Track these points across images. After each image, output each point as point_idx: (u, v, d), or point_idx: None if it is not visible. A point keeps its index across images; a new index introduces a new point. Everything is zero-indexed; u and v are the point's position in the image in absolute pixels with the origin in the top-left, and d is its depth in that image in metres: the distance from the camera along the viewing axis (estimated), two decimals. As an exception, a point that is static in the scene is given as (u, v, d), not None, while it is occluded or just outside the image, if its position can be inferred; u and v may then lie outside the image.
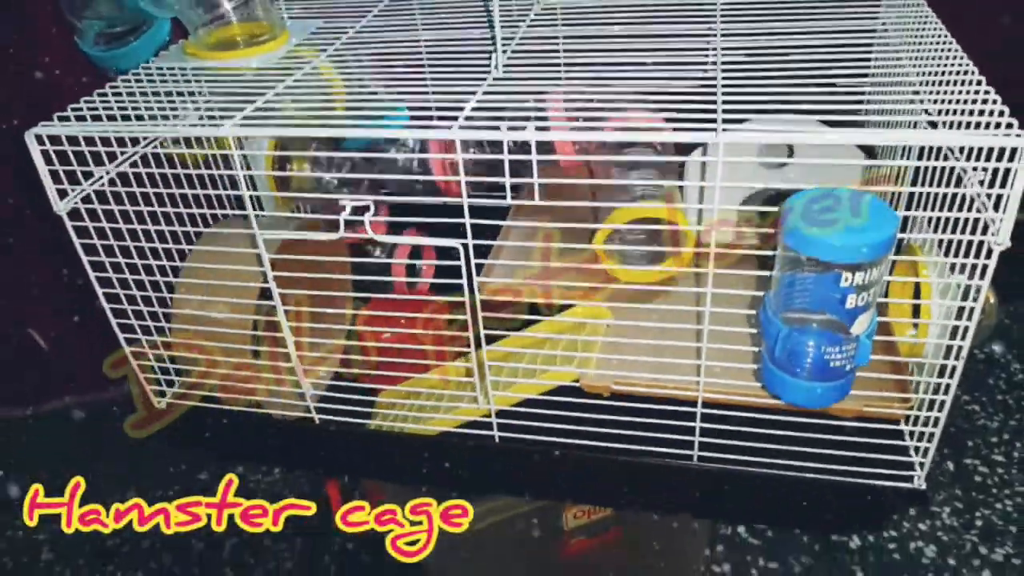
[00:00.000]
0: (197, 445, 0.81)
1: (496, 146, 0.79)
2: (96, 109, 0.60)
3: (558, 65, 0.67)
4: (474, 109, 0.54)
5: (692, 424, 0.59)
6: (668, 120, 0.53)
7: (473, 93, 0.57)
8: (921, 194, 0.58)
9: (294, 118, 0.60)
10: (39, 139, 0.57)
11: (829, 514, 0.63)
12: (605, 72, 0.68)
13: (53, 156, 0.58)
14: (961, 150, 0.49)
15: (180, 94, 0.65)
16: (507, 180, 0.51)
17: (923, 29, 0.63)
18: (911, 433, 0.60)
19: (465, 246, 0.55)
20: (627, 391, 0.62)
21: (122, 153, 0.63)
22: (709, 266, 0.50)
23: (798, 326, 0.47)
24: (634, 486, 0.66)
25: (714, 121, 0.48)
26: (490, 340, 0.65)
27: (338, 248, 0.78)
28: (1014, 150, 0.44)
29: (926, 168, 0.55)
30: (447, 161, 0.77)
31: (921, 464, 0.58)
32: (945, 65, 0.55)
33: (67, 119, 0.58)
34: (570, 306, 0.70)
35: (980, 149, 0.46)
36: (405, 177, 0.75)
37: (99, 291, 0.64)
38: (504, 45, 0.64)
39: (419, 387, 0.73)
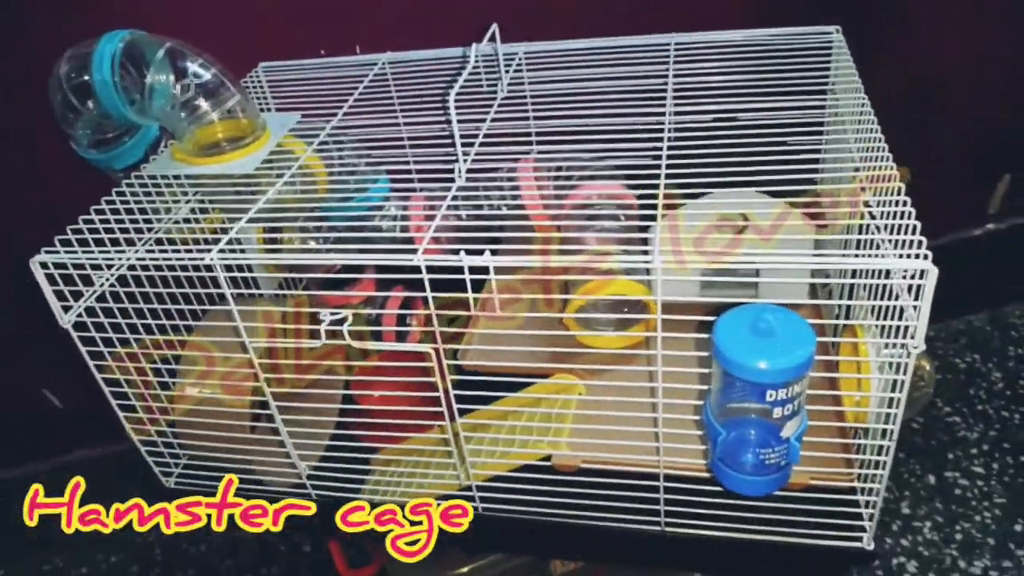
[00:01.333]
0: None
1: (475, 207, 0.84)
2: (95, 227, 0.65)
3: (529, 140, 0.71)
4: (439, 227, 0.59)
5: (657, 495, 0.64)
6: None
7: (441, 199, 0.62)
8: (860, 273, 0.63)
9: (281, 220, 0.64)
10: (43, 265, 0.62)
11: (793, 570, 0.68)
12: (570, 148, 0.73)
13: (56, 276, 0.63)
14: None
15: (175, 202, 0.70)
16: (469, 296, 0.56)
17: (861, 118, 0.67)
18: (861, 497, 0.64)
19: (437, 351, 0.60)
20: (595, 468, 0.67)
21: (119, 263, 0.68)
22: (657, 348, 0.55)
23: (737, 417, 0.52)
24: (611, 546, 0.71)
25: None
26: (467, 409, 0.70)
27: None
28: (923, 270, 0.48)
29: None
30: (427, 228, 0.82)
31: (869, 527, 0.63)
32: (875, 166, 0.60)
33: (68, 242, 0.64)
34: (548, 374, 0.75)
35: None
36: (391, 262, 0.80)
37: (107, 391, 0.70)
38: (468, 144, 0.69)
39: (404, 456, 0.78)
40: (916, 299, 0.49)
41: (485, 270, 0.55)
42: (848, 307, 0.64)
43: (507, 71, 0.83)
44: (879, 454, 0.58)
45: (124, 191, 0.71)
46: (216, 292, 0.76)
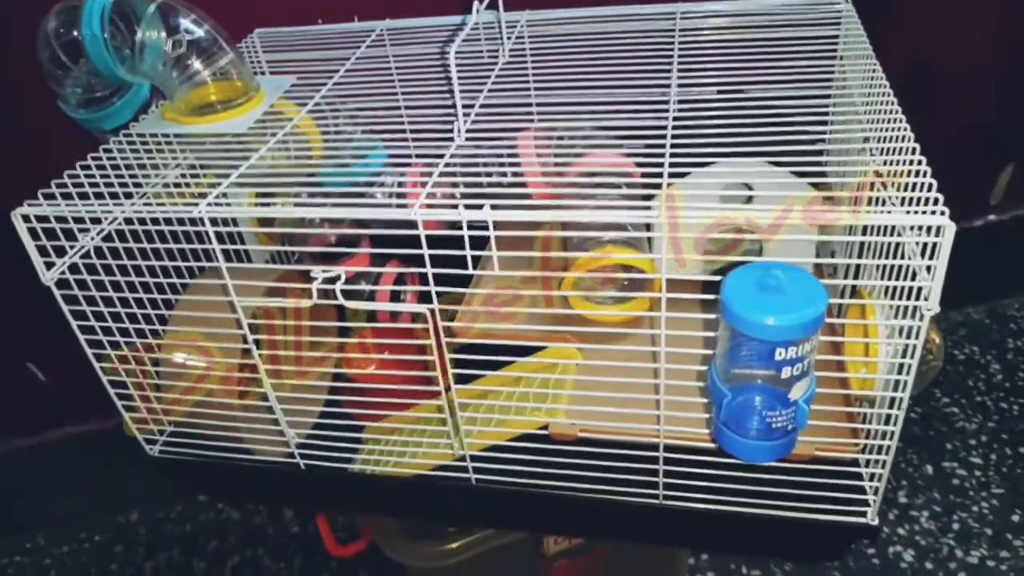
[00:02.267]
0: (188, 490, 0.84)
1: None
2: (80, 182, 0.63)
3: (527, 109, 0.70)
4: (437, 182, 0.57)
5: (656, 467, 0.63)
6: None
7: (438, 160, 0.60)
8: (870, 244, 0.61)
9: (273, 184, 0.62)
10: (25, 218, 0.60)
11: (795, 545, 0.67)
12: (571, 118, 0.71)
13: (39, 231, 0.61)
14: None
15: (164, 165, 0.68)
16: (467, 253, 0.54)
17: (872, 83, 0.65)
18: (866, 470, 0.63)
19: (432, 311, 0.58)
20: (593, 438, 0.66)
21: (106, 218, 0.66)
22: (661, 311, 0.53)
23: (743, 383, 0.50)
24: (608, 520, 0.69)
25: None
26: (464, 379, 0.68)
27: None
28: (939, 228, 0.46)
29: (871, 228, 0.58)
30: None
31: (874, 500, 0.61)
32: (887, 129, 0.58)
33: (52, 196, 0.61)
34: (543, 346, 0.73)
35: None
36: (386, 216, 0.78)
37: (88, 352, 0.67)
38: (468, 105, 0.67)
39: (398, 424, 0.76)
40: (932, 258, 0.48)
41: (484, 227, 0.53)
42: (856, 271, 0.63)
43: (509, 38, 0.81)
44: (887, 424, 0.56)
45: (111, 148, 0.69)
46: (203, 249, 0.74)
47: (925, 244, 0.48)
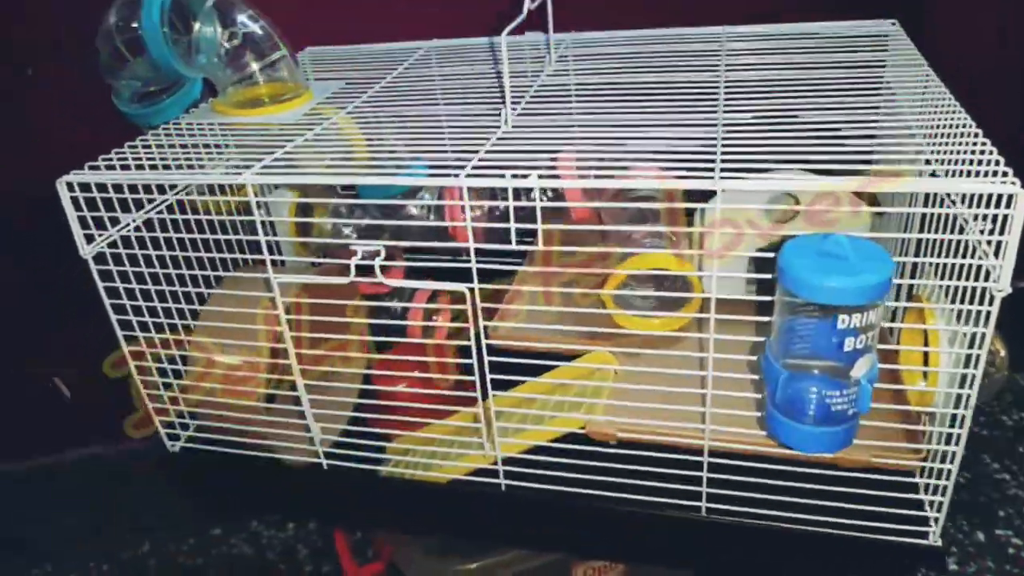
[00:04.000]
0: (206, 494, 0.81)
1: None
2: (126, 160, 0.63)
3: (569, 116, 0.69)
4: (482, 160, 0.56)
5: (700, 474, 0.59)
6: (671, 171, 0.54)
7: (483, 144, 0.59)
8: (927, 244, 0.59)
9: (313, 167, 0.62)
10: (69, 186, 0.60)
11: (854, 569, 0.62)
12: (614, 130, 0.70)
13: (82, 203, 0.61)
14: (963, 199, 0.50)
15: (206, 146, 0.68)
16: (512, 225, 0.52)
17: (927, 88, 0.64)
18: (925, 486, 0.58)
19: (471, 290, 0.56)
20: (633, 438, 0.62)
21: (149, 202, 0.66)
22: (711, 310, 0.51)
23: (801, 361, 0.47)
24: (645, 536, 0.65)
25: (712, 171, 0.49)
26: (500, 386, 0.65)
27: (354, 295, 0.80)
28: (1011, 197, 0.44)
29: (930, 217, 0.56)
30: (462, 213, 0.79)
31: (936, 519, 0.57)
32: (946, 120, 0.57)
33: (97, 168, 0.62)
34: (580, 354, 0.71)
35: (980, 197, 0.47)
36: (418, 224, 0.78)
37: (119, 333, 0.66)
38: (515, 100, 0.67)
39: (430, 434, 0.73)
40: (1000, 233, 0.45)
41: (532, 230, 0.51)
42: (912, 273, 0.60)
43: (555, 51, 0.82)
44: (952, 426, 0.52)
45: (159, 133, 0.69)
46: (239, 242, 0.73)
47: (994, 219, 0.45)
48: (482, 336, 0.59)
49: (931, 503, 0.57)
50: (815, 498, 0.57)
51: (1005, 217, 0.45)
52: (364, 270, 0.59)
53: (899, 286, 0.65)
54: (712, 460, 0.58)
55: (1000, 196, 0.45)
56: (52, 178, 0.60)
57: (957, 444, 0.52)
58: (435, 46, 0.91)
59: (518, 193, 0.51)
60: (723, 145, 0.54)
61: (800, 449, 0.49)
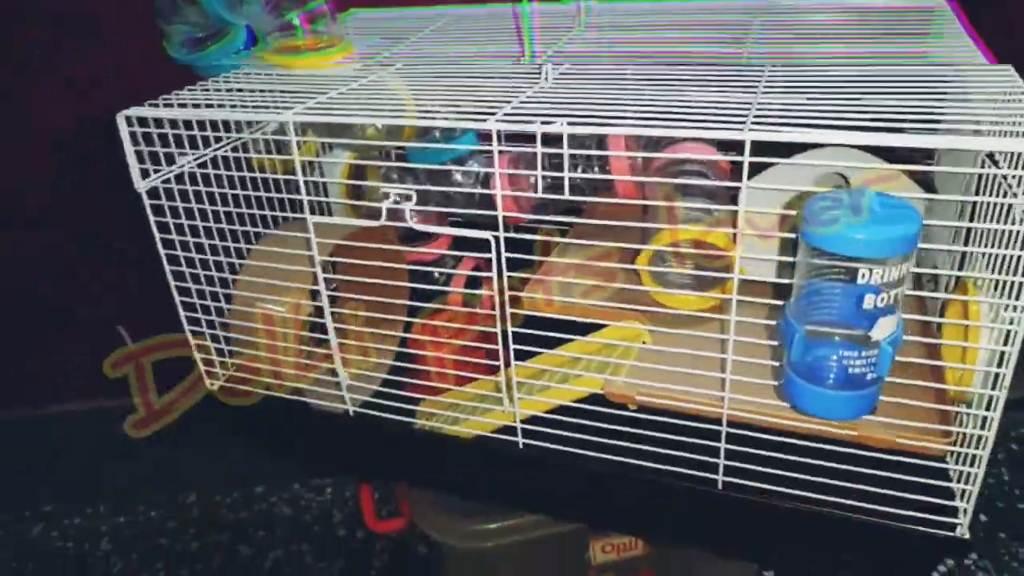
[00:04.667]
0: (239, 432, 0.83)
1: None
2: (184, 101, 0.66)
3: (607, 78, 0.68)
4: (516, 108, 0.56)
5: (718, 445, 0.58)
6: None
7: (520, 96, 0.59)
8: (976, 234, 0.56)
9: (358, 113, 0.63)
10: (128, 120, 0.63)
11: (872, 554, 0.59)
12: (653, 91, 0.68)
13: (139, 138, 0.64)
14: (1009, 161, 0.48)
15: (260, 91, 0.70)
16: (539, 173, 0.53)
17: (975, 62, 0.61)
18: (956, 474, 0.56)
19: (496, 238, 0.57)
20: (652, 403, 0.61)
21: (204, 146, 0.69)
22: (735, 271, 0.50)
23: (820, 321, 0.46)
24: (655, 511, 0.64)
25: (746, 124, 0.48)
26: (526, 356, 0.65)
27: (397, 258, 0.81)
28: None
29: (981, 189, 0.53)
30: (511, 189, 0.80)
31: (965, 510, 0.54)
32: (999, 87, 0.54)
33: (156, 105, 0.65)
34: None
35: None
36: (463, 191, 0.79)
37: (167, 268, 0.69)
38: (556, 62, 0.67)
39: (456, 398, 0.73)
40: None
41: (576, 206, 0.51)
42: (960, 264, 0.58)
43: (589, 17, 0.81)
44: (987, 410, 0.50)
45: (218, 80, 0.72)
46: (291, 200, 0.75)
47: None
48: (506, 295, 0.59)
49: (961, 492, 0.54)
50: (837, 479, 0.55)
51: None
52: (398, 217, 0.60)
53: (947, 279, 0.63)
54: (731, 431, 0.57)
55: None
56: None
57: (989, 429, 0.50)
58: (469, 12, 0.91)
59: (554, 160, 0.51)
60: (759, 104, 0.53)
61: (816, 414, 0.48)
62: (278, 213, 0.81)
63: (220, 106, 0.66)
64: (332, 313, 0.66)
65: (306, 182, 0.60)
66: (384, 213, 0.59)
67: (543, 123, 0.51)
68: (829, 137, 0.45)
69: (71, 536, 1.26)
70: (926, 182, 0.60)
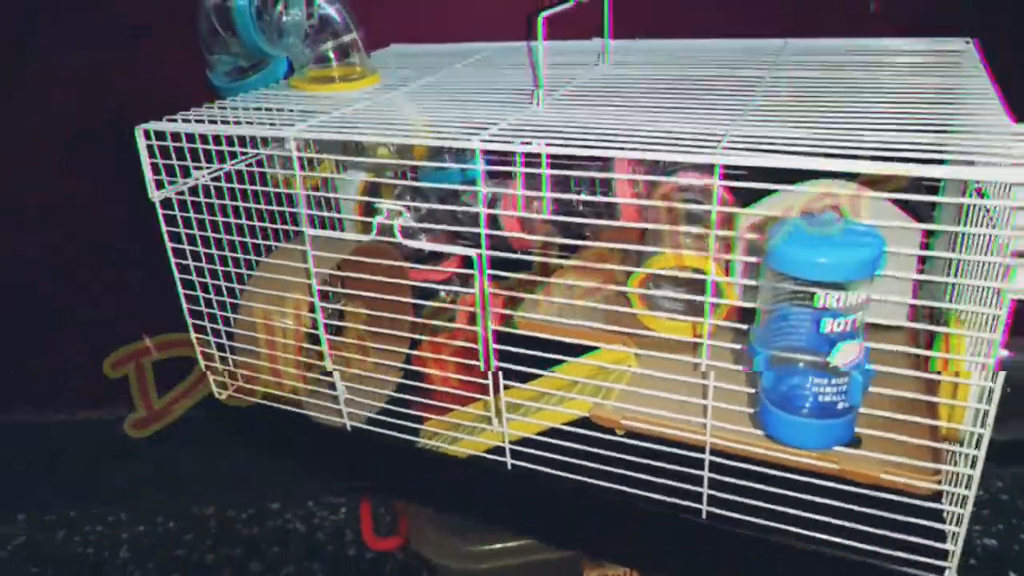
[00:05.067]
0: (244, 443, 0.85)
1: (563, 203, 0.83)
2: (201, 118, 0.70)
3: (604, 105, 0.68)
4: (502, 129, 0.57)
5: (702, 474, 0.57)
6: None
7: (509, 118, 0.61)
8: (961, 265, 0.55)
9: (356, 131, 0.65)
10: (146, 133, 0.67)
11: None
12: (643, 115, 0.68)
13: (156, 151, 0.67)
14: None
15: (278, 110, 0.73)
16: (525, 191, 0.54)
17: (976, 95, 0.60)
18: (949, 515, 0.53)
19: (480, 255, 0.58)
20: (636, 428, 0.61)
21: (220, 160, 0.72)
22: (707, 296, 0.50)
23: (786, 347, 0.45)
24: (639, 538, 0.63)
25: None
26: (519, 376, 0.65)
27: (400, 275, 0.82)
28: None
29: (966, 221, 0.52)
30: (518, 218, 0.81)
31: (953, 551, 0.52)
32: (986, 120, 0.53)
33: (174, 121, 0.68)
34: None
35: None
36: (468, 210, 0.80)
37: (176, 276, 0.72)
38: (554, 90, 0.68)
39: (457, 419, 0.74)
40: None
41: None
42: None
43: (614, 55, 0.82)
44: (972, 450, 0.48)
45: (236, 100, 0.76)
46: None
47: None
48: (489, 316, 0.60)
49: (952, 534, 0.52)
50: (821, 513, 0.53)
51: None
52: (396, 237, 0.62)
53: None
54: (716, 460, 0.56)
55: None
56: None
57: (974, 467, 0.48)
58: (504, 47, 0.94)
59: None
60: (742, 127, 0.53)
61: (788, 442, 0.47)
62: (290, 227, 0.84)
63: (234, 123, 0.69)
64: (337, 329, 0.67)
65: (308, 196, 0.62)
66: (375, 228, 0.61)
67: (523, 143, 0.53)
68: (792, 162, 0.45)
69: (93, 541, 1.29)
70: (918, 214, 0.59)
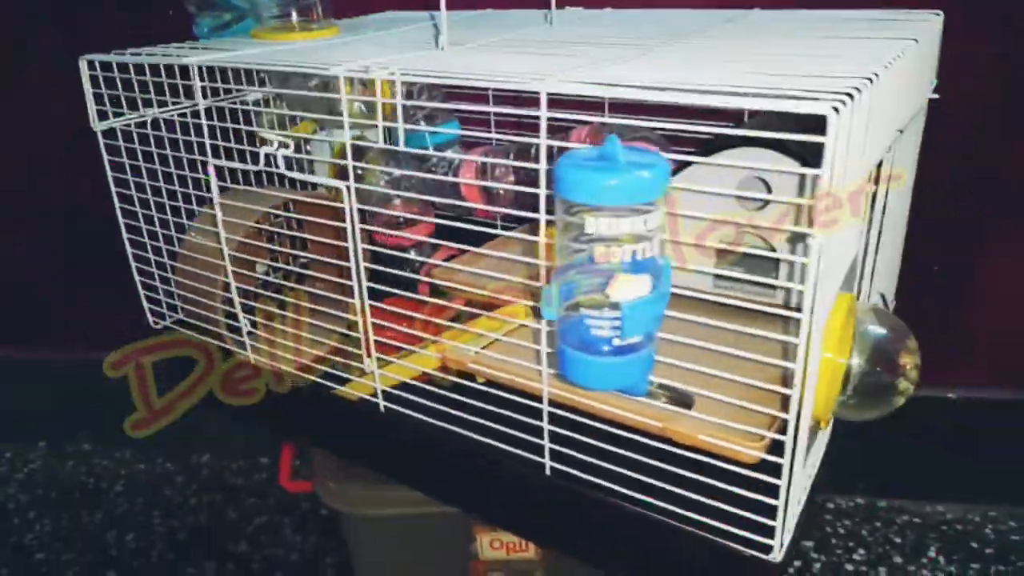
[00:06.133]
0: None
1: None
2: (154, 54, 0.73)
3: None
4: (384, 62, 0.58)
5: (542, 425, 0.55)
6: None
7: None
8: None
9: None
10: (90, 64, 0.71)
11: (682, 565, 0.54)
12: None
13: (101, 82, 0.71)
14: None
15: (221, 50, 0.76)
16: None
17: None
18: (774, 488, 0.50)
19: (348, 188, 0.58)
20: (480, 371, 0.60)
21: (174, 103, 0.75)
22: (540, 239, 0.49)
23: (572, 283, 0.43)
24: (492, 494, 0.62)
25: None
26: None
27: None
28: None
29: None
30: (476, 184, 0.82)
31: (779, 529, 0.48)
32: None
33: (122, 55, 0.72)
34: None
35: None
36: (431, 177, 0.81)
37: (117, 206, 0.76)
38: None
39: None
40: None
41: None
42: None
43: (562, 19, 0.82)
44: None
45: (196, 44, 0.80)
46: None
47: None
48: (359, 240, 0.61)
49: (776, 510, 0.49)
50: (654, 477, 0.51)
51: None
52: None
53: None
54: (558, 412, 0.55)
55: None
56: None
57: (787, 434, 0.45)
58: (486, 14, 0.94)
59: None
60: (604, 68, 0.52)
61: (569, 378, 0.45)
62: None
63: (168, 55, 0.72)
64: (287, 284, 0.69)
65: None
66: (262, 158, 0.62)
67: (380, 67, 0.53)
68: (622, 93, 0.44)
69: (99, 474, 1.38)
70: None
